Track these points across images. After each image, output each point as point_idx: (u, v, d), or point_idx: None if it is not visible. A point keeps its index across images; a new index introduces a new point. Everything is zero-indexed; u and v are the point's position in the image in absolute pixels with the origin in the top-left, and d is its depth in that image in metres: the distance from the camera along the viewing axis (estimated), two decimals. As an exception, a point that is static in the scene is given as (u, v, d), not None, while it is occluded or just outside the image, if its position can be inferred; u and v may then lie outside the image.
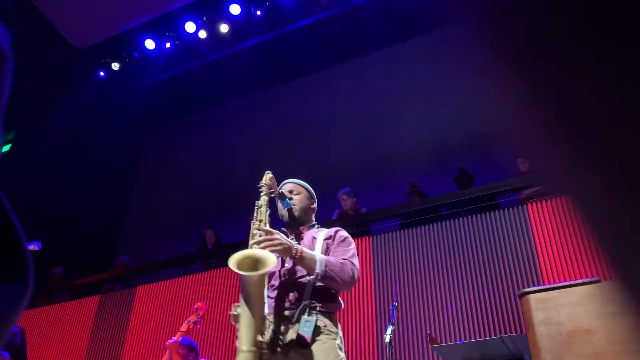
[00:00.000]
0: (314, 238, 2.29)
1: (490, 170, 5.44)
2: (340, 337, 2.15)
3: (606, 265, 0.26)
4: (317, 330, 2.04)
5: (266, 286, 2.16)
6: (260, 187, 2.34)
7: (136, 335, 5.54)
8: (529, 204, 4.31)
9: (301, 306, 2.08)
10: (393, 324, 2.97)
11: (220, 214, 7.76)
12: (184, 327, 3.89)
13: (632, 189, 0.23)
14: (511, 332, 3.71)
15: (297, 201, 2.38)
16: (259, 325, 1.94)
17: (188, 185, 8.72)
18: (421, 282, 4.37)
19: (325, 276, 2.08)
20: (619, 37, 0.22)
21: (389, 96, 7.56)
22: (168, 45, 8.50)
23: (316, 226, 2.42)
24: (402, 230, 4.76)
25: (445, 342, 3.89)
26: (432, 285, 4.32)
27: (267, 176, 2.38)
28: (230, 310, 2.16)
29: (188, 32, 8.23)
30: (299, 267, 2.18)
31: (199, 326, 4.01)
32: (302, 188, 2.45)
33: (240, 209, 6.90)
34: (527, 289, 2.37)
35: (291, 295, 2.14)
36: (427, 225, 4.65)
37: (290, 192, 2.41)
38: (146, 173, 9.58)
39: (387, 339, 2.86)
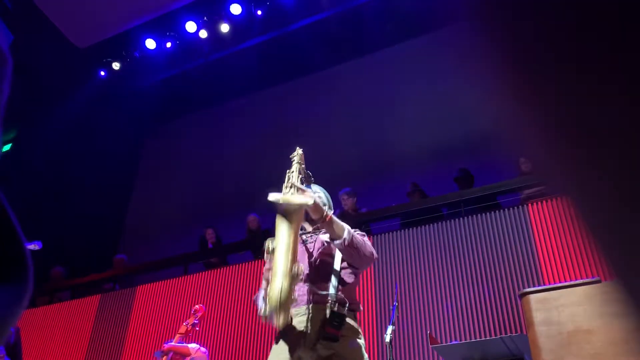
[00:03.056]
0: (327, 242, 2.29)
1: (490, 170, 5.44)
2: (362, 338, 2.16)
3: (606, 265, 0.26)
4: (345, 327, 2.05)
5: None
6: (292, 157, 2.39)
7: (136, 335, 5.54)
8: (530, 204, 4.31)
9: (330, 301, 2.08)
10: (393, 324, 2.97)
11: (220, 213, 7.77)
12: (182, 329, 3.90)
13: (632, 190, 0.23)
14: (511, 332, 3.71)
15: (318, 199, 2.39)
16: (294, 256, 1.99)
17: (188, 185, 8.72)
18: (421, 282, 4.37)
19: (351, 244, 2.10)
20: (621, 37, 0.22)
21: (389, 96, 7.56)
22: (169, 45, 8.51)
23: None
24: (402, 230, 4.76)
25: (446, 342, 3.89)
26: (432, 285, 4.32)
27: (299, 150, 2.42)
28: (266, 244, 2.20)
29: (189, 32, 8.23)
30: (326, 260, 2.20)
31: (197, 328, 4.01)
32: (324, 194, 2.46)
33: (240, 209, 6.93)
34: (528, 289, 2.37)
35: (319, 288, 2.14)
36: (427, 225, 4.65)
37: (314, 191, 2.42)
38: (147, 172, 9.59)
39: (388, 338, 2.86)
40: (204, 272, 5.63)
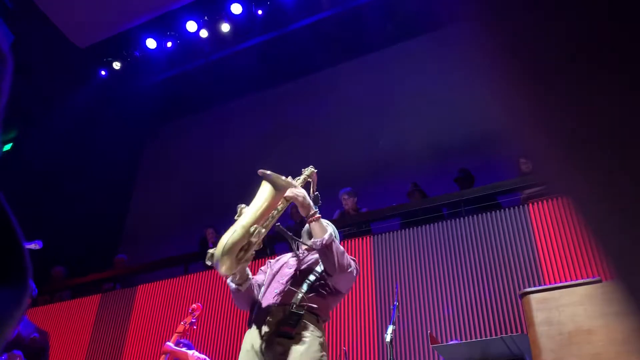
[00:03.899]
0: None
1: (491, 170, 5.44)
2: (324, 340, 2.23)
3: (606, 265, 0.26)
4: (302, 326, 2.14)
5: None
6: (303, 170, 2.46)
7: (137, 334, 5.54)
8: (530, 204, 4.31)
9: (292, 303, 2.18)
10: (394, 324, 2.97)
11: (220, 213, 7.74)
12: (180, 328, 3.92)
13: (631, 190, 0.23)
14: (512, 332, 3.71)
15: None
16: (261, 217, 2.06)
17: (189, 185, 8.72)
18: (422, 282, 4.37)
19: (329, 246, 2.17)
20: (621, 37, 0.22)
21: (389, 95, 7.55)
22: (169, 44, 8.51)
23: None
24: (402, 230, 4.76)
25: (446, 341, 3.89)
26: (433, 284, 4.32)
27: (312, 169, 2.49)
28: (239, 205, 2.23)
29: (189, 32, 8.23)
30: (307, 270, 2.30)
31: (194, 327, 4.03)
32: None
33: (241, 209, 6.92)
34: (528, 289, 2.37)
35: (292, 291, 2.23)
36: (427, 225, 4.65)
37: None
38: (147, 172, 9.59)
39: (388, 338, 2.86)
40: (204, 272, 5.63)
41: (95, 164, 8.54)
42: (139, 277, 6.56)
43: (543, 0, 0.24)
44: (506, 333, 3.71)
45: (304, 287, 2.23)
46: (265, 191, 2.14)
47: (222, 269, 1.97)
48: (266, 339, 2.15)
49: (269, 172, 2.16)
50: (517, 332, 3.71)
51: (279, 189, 2.15)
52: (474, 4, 0.26)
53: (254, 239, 2.01)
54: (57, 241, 6.19)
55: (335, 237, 2.39)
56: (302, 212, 2.26)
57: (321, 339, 2.19)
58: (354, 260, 2.33)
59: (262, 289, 2.36)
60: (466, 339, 3.88)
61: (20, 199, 7.24)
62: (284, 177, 2.20)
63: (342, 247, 2.26)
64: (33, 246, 3.33)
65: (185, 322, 3.94)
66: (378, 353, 4.19)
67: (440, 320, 4.13)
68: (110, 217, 8.76)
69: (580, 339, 2.07)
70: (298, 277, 2.30)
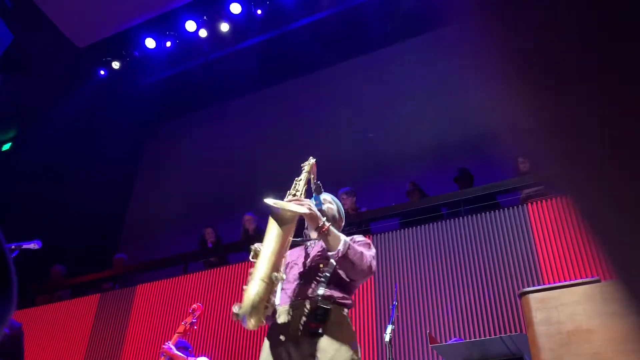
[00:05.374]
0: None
1: (490, 170, 5.44)
2: (354, 333, 2.14)
3: (606, 265, 0.26)
4: (330, 321, 2.04)
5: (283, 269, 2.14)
6: (303, 166, 2.40)
7: (136, 334, 5.54)
8: (529, 204, 4.31)
9: (316, 297, 2.08)
10: (393, 323, 2.97)
11: (220, 212, 7.76)
12: (180, 329, 3.93)
13: (631, 189, 0.23)
14: (511, 332, 3.71)
15: (327, 210, 2.39)
16: (277, 263, 1.99)
17: (188, 184, 8.72)
18: (421, 282, 4.37)
19: (346, 257, 2.08)
20: (621, 37, 0.22)
21: (389, 95, 7.55)
22: (168, 44, 8.50)
23: None
24: (402, 230, 4.76)
25: (445, 341, 3.90)
26: (432, 284, 4.32)
27: (312, 160, 2.43)
28: (253, 248, 2.15)
29: (188, 31, 8.23)
30: (321, 261, 2.21)
31: (195, 327, 4.03)
32: (335, 205, 2.47)
33: (240, 208, 6.93)
34: (527, 289, 2.37)
35: (308, 286, 2.15)
36: (427, 225, 4.65)
37: (324, 200, 2.43)
38: (146, 171, 9.58)
39: (387, 338, 2.87)
40: (203, 272, 5.63)
41: (94, 164, 8.53)
42: (138, 276, 6.56)
43: (542, 0, 0.24)
44: (505, 332, 3.71)
45: (324, 279, 2.14)
46: (273, 232, 2.04)
47: (250, 326, 1.90)
48: (292, 338, 2.04)
49: (273, 202, 2.05)
50: (516, 331, 3.71)
51: (286, 223, 2.06)
52: (474, 4, 0.26)
53: (276, 288, 1.97)
54: (56, 240, 6.19)
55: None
56: (312, 226, 2.16)
57: (352, 337, 2.10)
58: (373, 255, 2.23)
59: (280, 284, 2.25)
60: (465, 339, 3.89)
61: (19, 198, 7.24)
62: (289, 206, 2.07)
63: (358, 249, 2.14)
64: (32, 245, 3.33)
65: (186, 322, 3.94)
66: (377, 353, 4.19)
67: (439, 320, 4.13)
68: (109, 217, 8.76)
69: (579, 338, 2.07)
70: (312, 270, 2.21)
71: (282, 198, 2.21)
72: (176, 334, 3.92)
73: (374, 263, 2.20)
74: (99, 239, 8.19)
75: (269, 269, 1.96)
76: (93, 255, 7.56)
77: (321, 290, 2.10)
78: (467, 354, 3.00)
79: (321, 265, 2.21)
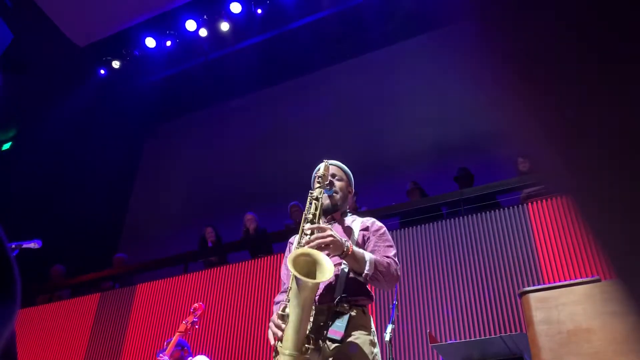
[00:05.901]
0: (349, 228, 2.23)
1: (490, 169, 5.44)
2: (374, 331, 2.09)
3: (606, 264, 0.26)
4: (350, 325, 1.98)
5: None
6: (318, 178, 2.20)
7: (136, 333, 5.55)
8: (529, 203, 4.31)
9: (335, 300, 2.01)
10: (393, 323, 2.97)
11: (220, 212, 7.77)
12: (181, 328, 3.91)
13: (631, 189, 0.23)
14: (511, 331, 3.71)
15: (339, 188, 2.28)
16: (305, 331, 1.89)
17: (188, 184, 8.72)
18: (421, 281, 4.37)
19: (373, 277, 2.02)
20: (621, 38, 0.22)
21: (389, 95, 7.56)
22: (169, 43, 8.50)
23: (349, 214, 2.35)
24: (402, 229, 4.76)
25: (445, 340, 3.90)
26: (432, 284, 4.32)
27: (324, 165, 2.23)
28: (278, 310, 2.03)
29: (189, 31, 8.23)
30: (337, 264, 2.10)
31: (196, 326, 4.02)
32: (344, 174, 2.36)
33: (240, 208, 6.93)
34: (527, 288, 2.37)
35: (325, 289, 2.07)
36: (427, 224, 4.66)
37: (333, 176, 2.30)
38: (146, 171, 9.59)
39: (387, 337, 2.86)
40: (203, 271, 5.63)
41: (94, 163, 8.54)
42: (138, 276, 6.57)
43: (542, 0, 0.24)
44: (505, 332, 3.71)
45: (340, 278, 2.05)
46: (300, 296, 1.87)
47: None
48: (313, 346, 1.94)
49: (298, 275, 1.85)
50: (516, 331, 3.71)
51: (313, 290, 1.91)
52: (474, 3, 0.26)
53: (307, 356, 1.88)
54: (56, 240, 6.19)
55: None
56: (335, 254, 2.01)
57: (371, 335, 2.04)
58: (396, 259, 2.15)
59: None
60: (465, 338, 3.89)
61: (19, 198, 7.24)
62: (311, 282, 1.86)
63: (384, 261, 2.06)
64: (32, 245, 3.33)
65: (187, 322, 3.93)
66: (377, 352, 4.19)
67: (440, 319, 4.13)
68: (109, 216, 8.76)
69: (579, 337, 2.08)
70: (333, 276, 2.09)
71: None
72: (177, 333, 3.91)
73: (399, 267, 2.14)
74: (99, 238, 8.19)
75: (299, 341, 1.87)
76: (93, 255, 7.57)
77: (340, 296, 2.02)
78: (467, 353, 3.00)
79: (339, 267, 2.10)
